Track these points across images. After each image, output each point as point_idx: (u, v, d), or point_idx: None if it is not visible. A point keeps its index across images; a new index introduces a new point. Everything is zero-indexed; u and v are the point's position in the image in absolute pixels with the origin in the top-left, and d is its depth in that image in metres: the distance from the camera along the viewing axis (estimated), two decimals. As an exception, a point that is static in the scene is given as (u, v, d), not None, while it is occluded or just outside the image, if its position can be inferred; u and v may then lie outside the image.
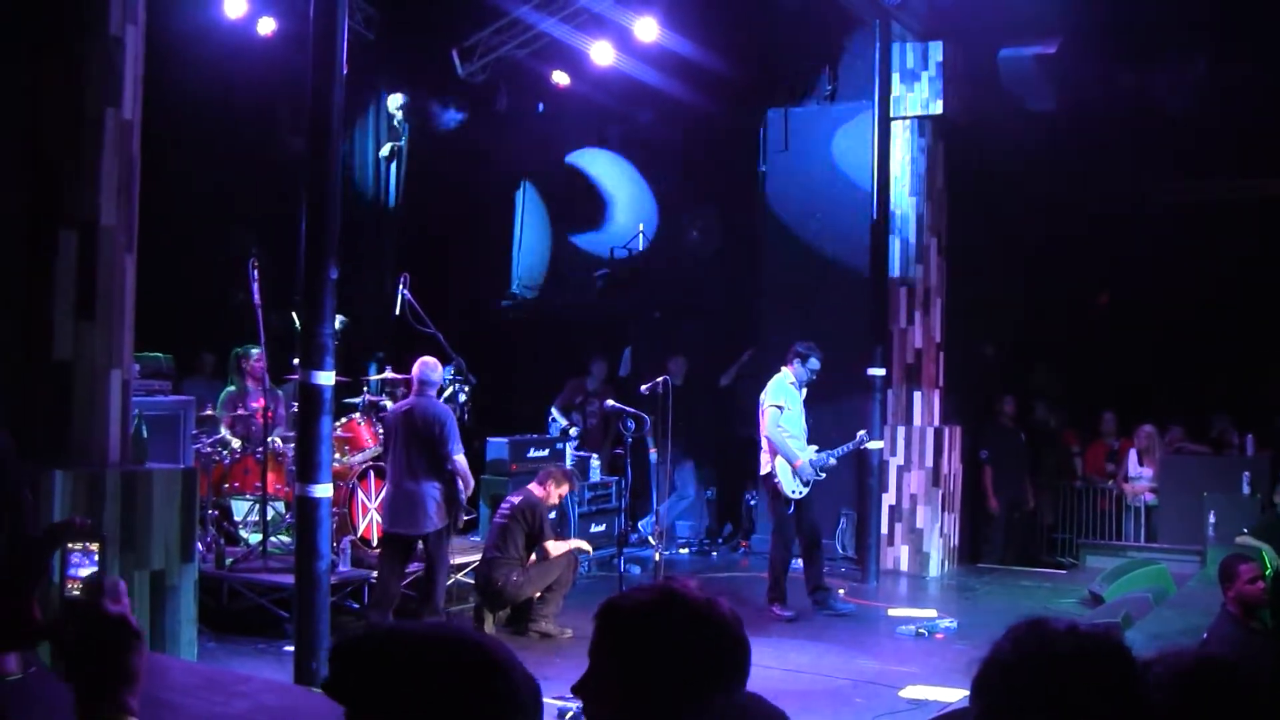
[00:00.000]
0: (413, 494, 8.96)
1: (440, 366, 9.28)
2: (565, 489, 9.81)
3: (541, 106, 14.25)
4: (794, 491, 10.45)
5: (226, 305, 11.85)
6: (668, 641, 2.25)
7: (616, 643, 2.28)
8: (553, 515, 11.42)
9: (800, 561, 10.86)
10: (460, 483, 9.07)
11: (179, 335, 11.06)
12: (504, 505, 9.56)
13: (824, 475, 10.81)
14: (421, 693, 1.75)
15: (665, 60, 12.55)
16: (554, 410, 13.70)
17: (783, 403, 10.46)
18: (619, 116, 14.21)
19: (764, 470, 10.60)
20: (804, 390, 10.67)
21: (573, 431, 13.26)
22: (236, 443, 10.42)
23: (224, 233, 12.36)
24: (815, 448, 10.68)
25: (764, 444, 10.55)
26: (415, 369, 9.24)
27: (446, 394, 10.36)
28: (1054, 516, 14.55)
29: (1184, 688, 2.67)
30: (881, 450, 12.49)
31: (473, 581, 9.82)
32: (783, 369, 10.65)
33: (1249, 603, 6.49)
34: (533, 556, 9.55)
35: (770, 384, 10.62)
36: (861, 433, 11.30)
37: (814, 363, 10.57)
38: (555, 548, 9.59)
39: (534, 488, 9.67)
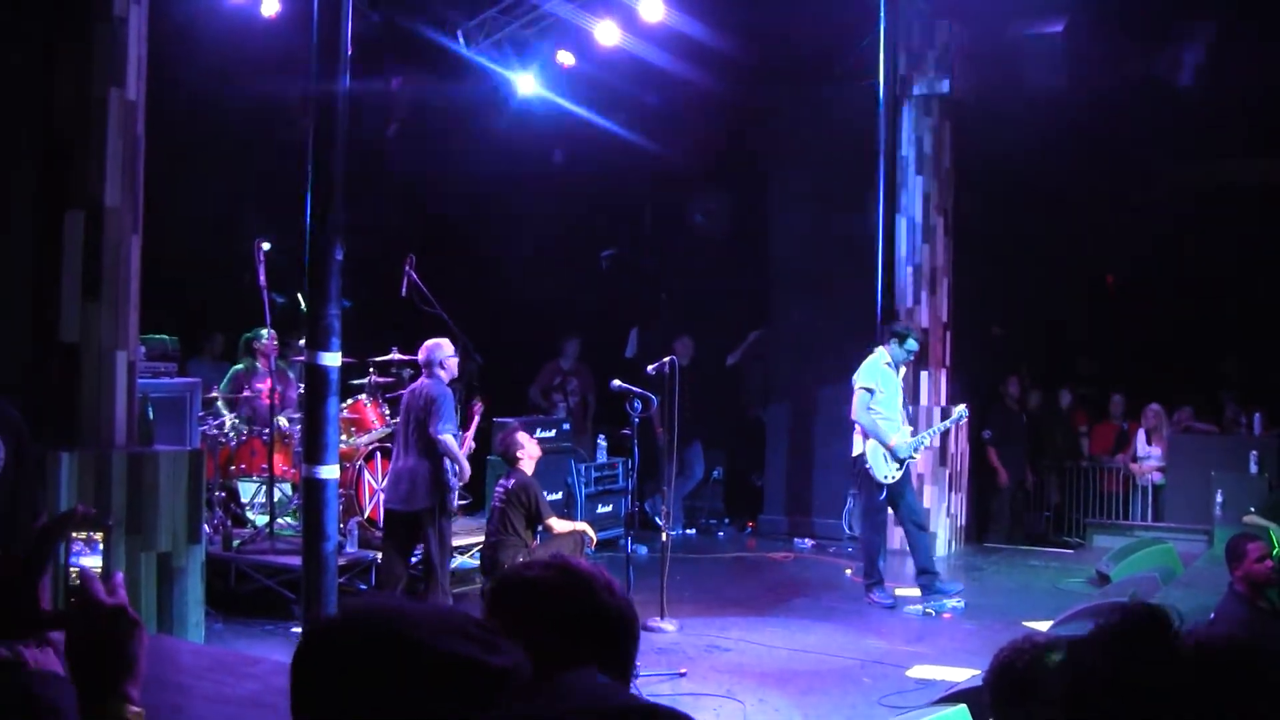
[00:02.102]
0: (405, 471, 8.98)
1: (448, 346, 9.25)
2: (522, 439, 9.68)
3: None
4: (886, 476, 10.16)
5: (232, 287, 11.84)
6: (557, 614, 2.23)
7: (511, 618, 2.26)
8: (560, 496, 11.45)
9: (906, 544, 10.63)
10: (449, 462, 9.04)
11: (184, 317, 11.06)
12: (498, 489, 9.52)
13: (917, 457, 10.71)
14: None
15: (671, 40, 12.50)
16: (532, 393, 13.70)
17: (874, 385, 10.19)
18: (625, 97, 14.15)
19: (855, 452, 10.32)
20: (901, 370, 10.50)
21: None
22: (230, 420, 10.38)
23: (229, 214, 12.35)
24: (910, 429, 10.52)
25: (856, 426, 10.31)
26: (421, 351, 9.24)
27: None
28: (1061, 496, 14.56)
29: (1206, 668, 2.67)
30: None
31: (478, 564, 9.83)
32: (878, 349, 10.46)
33: (1257, 582, 6.49)
34: (537, 539, 9.55)
35: (863, 365, 10.37)
36: (960, 407, 11.20)
37: (911, 343, 10.38)
38: (559, 525, 9.58)
39: (520, 468, 9.58)
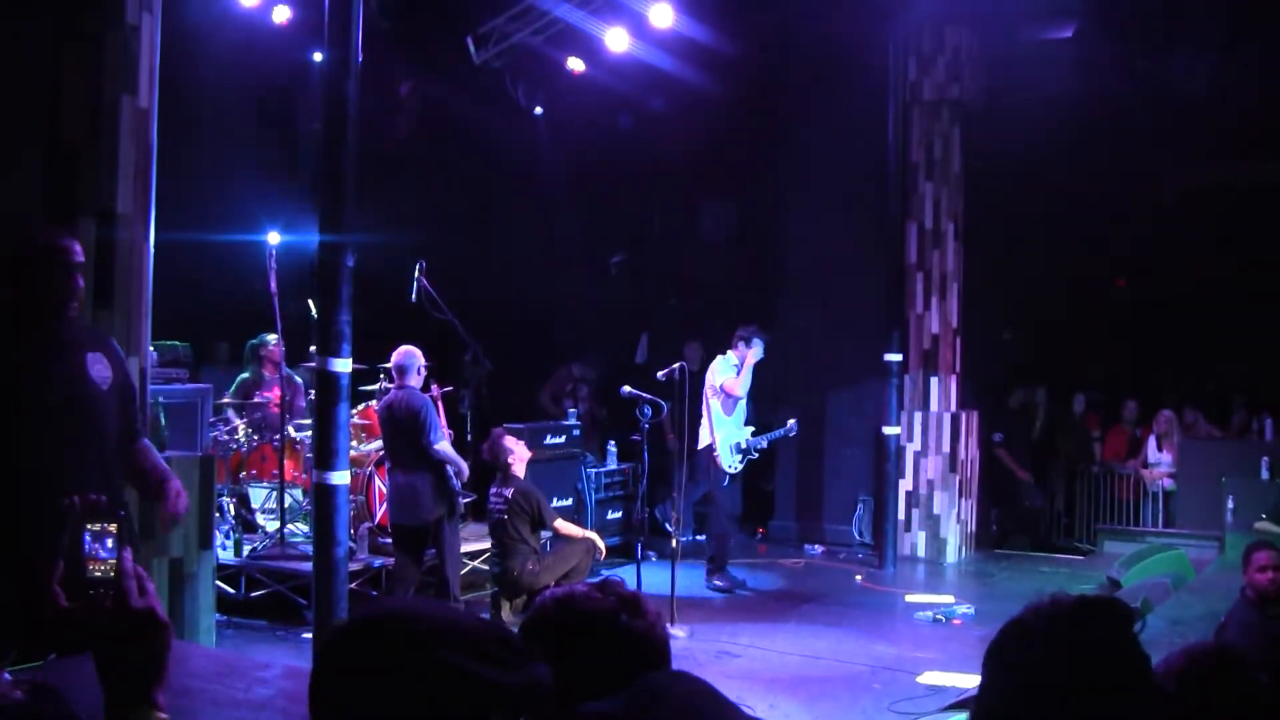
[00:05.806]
0: (407, 486, 8.95)
1: (419, 354, 9.20)
2: (510, 444, 9.66)
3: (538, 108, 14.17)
4: (730, 466, 10.90)
5: (244, 293, 11.85)
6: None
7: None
8: (570, 501, 11.45)
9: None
10: (451, 469, 9.03)
11: (196, 324, 11.07)
12: (495, 500, 9.44)
13: (757, 455, 11.27)
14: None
15: (680, 46, 12.52)
16: (542, 399, 13.69)
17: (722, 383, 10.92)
18: (633, 102, 14.16)
19: (702, 444, 10.94)
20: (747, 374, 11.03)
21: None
22: (241, 426, 10.41)
23: (241, 221, 12.37)
24: (751, 429, 11.09)
25: (704, 420, 10.95)
26: (393, 358, 9.21)
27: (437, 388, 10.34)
28: (1072, 501, 14.53)
29: (1197, 676, 2.70)
30: (899, 436, 12.50)
31: (488, 569, 9.82)
32: (728, 352, 11.03)
33: (1258, 590, 6.41)
34: (544, 544, 9.53)
35: (715, 363, 11.07)
36: (791, 421, 11.39)
37: (757, 344, 10.98)
38: (565, 527, 9.57)
39: (515, 474, 9.55)
